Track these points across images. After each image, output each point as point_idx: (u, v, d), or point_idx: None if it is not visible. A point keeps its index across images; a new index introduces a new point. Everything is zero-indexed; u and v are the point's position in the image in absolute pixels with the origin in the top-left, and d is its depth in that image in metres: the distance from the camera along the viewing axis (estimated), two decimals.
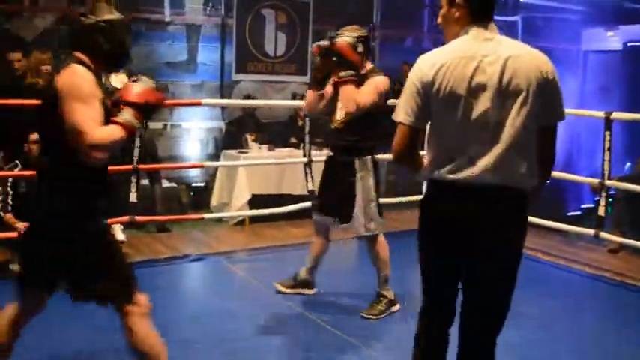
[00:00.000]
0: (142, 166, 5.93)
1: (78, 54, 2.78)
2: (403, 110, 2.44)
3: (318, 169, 6.90)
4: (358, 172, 4.24)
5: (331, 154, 4.45)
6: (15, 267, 5.24)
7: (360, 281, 5.24)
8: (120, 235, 6.27)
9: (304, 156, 6.50)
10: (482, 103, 2.32)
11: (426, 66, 2.40)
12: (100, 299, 2.82)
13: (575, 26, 10.76)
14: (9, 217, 5.14)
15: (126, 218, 5.83)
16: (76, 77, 2.65)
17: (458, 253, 2.48)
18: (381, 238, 4.38)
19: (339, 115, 4.28)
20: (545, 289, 4.98)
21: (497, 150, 2.34)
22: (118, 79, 7.13)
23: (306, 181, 6.44)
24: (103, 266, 2.79)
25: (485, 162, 2.34)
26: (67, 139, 2.62)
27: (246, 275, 5.34)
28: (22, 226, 5.06)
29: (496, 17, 2.56)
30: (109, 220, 5.97)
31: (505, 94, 2.32)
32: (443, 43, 2.53)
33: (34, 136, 5.34)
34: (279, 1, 8.53)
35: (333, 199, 4.38)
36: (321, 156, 6.80)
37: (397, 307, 4.45)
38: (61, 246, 2.73)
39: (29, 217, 3.01)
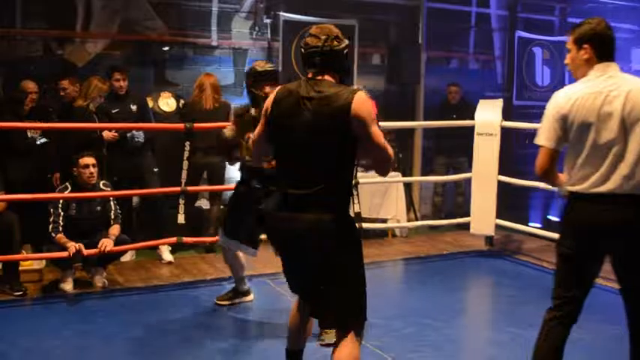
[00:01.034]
0: (190, 188, 6.01)
1: (328, 76, 3.03)
2: (544, 135, 3.02)
3: (364, 191, 6.91)
4: None
5: (257, 184, 4.55)
6: (65, 286, 5.34)
7: (405, 304, 5.21)
8: (167, 255, 6.34)
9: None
10: (610, 129, 2.89)
11: (562, 100, 2.99)
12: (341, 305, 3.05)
13: (625, 45, 10.58)
14: (60, 236, 5.24)
15: (173, 239, 5.90)
16: (370, 104, 2.93)
17: (601, 248, 3.01)
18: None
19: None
20: (605, 315, 4.77)
21: (624, 166, 2.89)
22: (165, 102, 7.25)
23: (353, 202, 6.43)
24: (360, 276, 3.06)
25: (616, 176, 2.89)
26: (353, 157, 2.96)
27: (291, 296, 5.31)
28: (72, 245, 5.15)
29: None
30: (156, 241, 6.06)
31: (628, 120, 2.88)
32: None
33: (86, 160, 5.44)
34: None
35: (243, 222, 4.72)
36: (366, 177, 6.81)
37: (250, 297, 5.28)
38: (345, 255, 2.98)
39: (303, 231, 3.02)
